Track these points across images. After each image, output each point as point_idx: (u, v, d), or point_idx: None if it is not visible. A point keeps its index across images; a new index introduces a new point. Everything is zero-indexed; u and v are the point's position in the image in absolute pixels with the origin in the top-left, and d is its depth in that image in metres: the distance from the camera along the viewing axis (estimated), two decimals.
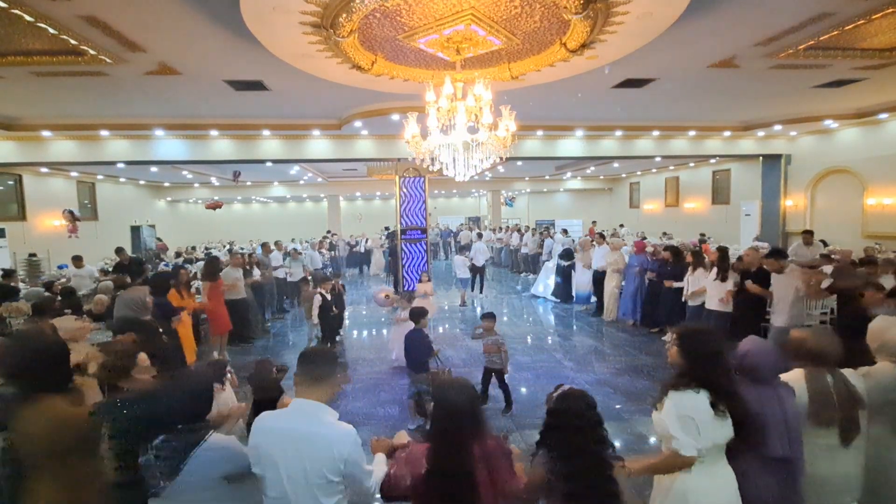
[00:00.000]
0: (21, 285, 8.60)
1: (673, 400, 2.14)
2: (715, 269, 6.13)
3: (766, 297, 5.62)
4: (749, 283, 5.59)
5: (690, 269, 6.80)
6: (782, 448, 2.20)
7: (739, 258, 6.82)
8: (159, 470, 1.96)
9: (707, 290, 6.23)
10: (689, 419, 2.07)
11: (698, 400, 2.09)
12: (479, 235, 14.44)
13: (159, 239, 19.17)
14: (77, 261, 9.48)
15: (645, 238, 13.08)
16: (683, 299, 6.88)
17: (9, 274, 8.32)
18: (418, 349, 4.67)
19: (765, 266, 5.60)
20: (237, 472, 2.11)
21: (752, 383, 2.28)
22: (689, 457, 2.07)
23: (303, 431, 1.92)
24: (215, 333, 7.16)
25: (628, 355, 6.92)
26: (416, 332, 4.79)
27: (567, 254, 10.59)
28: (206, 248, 17.46)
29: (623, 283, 8.88)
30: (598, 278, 9.32)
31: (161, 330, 4.49)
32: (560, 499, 1.90)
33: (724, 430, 2.09)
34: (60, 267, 11.40)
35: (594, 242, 9.86)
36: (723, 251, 6.29)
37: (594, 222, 19.51)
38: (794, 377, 2.42)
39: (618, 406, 5.19)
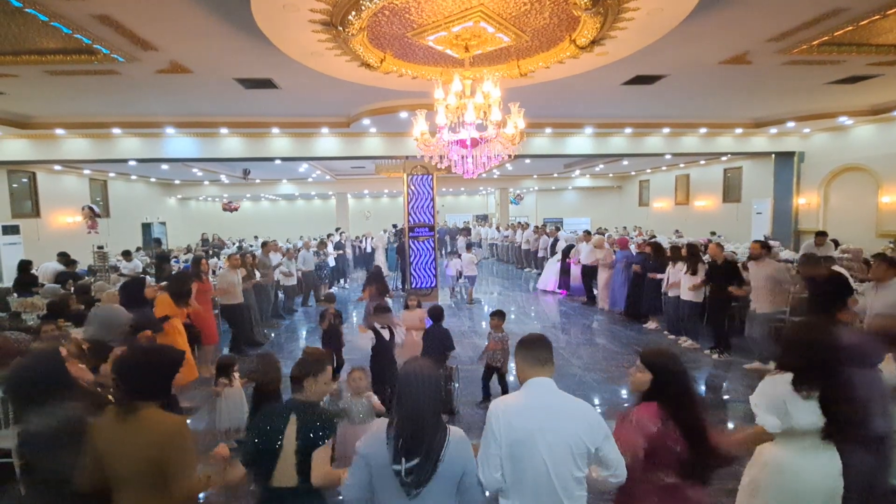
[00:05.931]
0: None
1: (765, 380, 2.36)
2: (686, 264, 6.89)
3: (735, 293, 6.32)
4: (733, 288, 6.25)
5: (671, 263, 7.48)
6: (883, 425, 2.52)
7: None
8: (418, 474, 1.81)
9: (680, 283, 7.02)
10: (776, 398, 2.26)
11: (783, 381, 2.27)
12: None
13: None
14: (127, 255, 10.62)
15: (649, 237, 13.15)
16: (663, 290, 7.53)
17: (71, 262, 8.86)
18: (441, 342, 4.80)
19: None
20: (472, 471, 1.93)
21: (860, 368, 2.51)
22: (766, 430, 2.27)
23: (557, 403, 1.94)
24: (205, 344, 6.10)
25: (617, 344, 6.88)
26: (438, 329, 4.89)
27: (568, 250, 11.39)
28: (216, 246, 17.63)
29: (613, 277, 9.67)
30: (587, 272, 10.24)
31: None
32: None
33: (811, 412, 2.19)
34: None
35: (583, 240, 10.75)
36: (693, 248, 7.18)
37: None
38: (885, 363, 2.79)
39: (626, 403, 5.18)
